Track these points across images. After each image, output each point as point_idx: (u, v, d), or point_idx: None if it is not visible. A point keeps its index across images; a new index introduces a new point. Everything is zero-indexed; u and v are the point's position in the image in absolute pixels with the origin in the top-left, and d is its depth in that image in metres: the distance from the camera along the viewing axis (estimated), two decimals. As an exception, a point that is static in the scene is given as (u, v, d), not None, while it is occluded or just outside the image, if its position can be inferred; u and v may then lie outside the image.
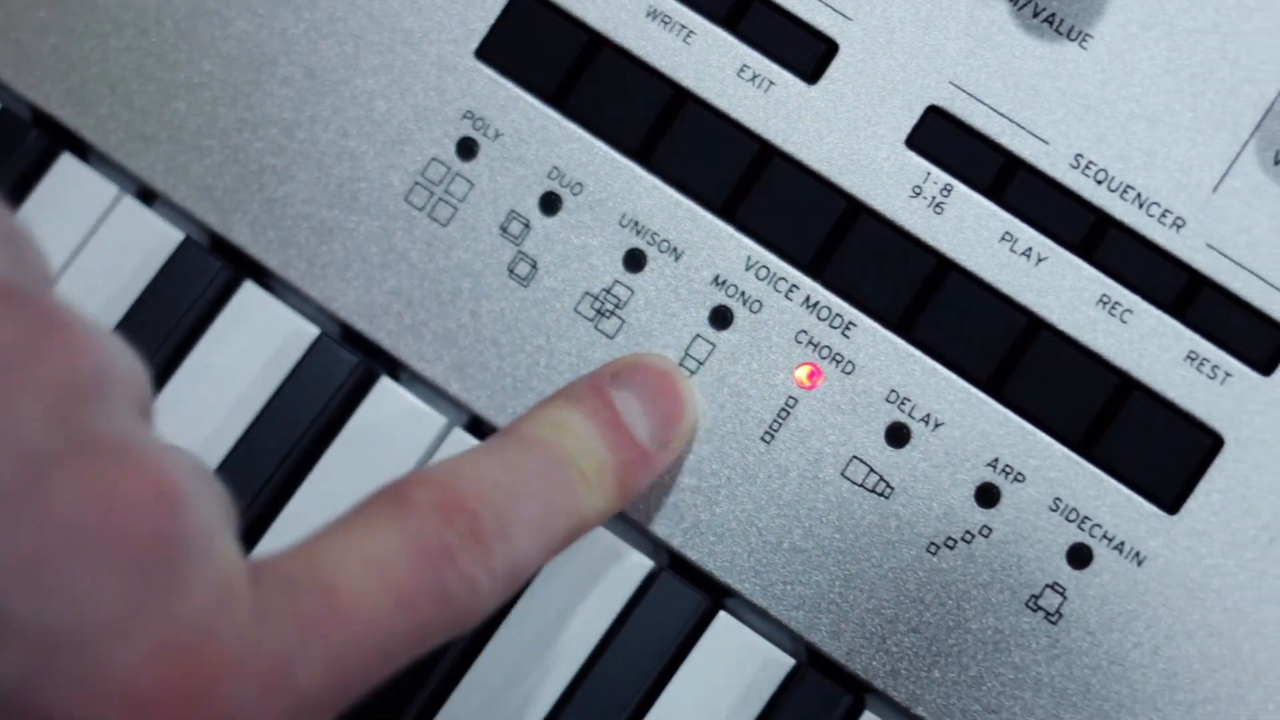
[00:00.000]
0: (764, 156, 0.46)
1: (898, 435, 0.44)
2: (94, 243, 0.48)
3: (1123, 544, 0.43)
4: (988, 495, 0.44)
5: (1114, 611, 0.43)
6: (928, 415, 0.44)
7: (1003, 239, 0.44)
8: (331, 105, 0.47)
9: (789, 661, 0.45)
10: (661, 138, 0.46)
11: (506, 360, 0.46)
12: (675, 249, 0.46)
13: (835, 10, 0.46)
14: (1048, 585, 0.43)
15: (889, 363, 0.45)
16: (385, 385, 0.47)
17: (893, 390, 0.45)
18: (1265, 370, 0.43)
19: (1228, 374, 0.43)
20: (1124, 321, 0.44)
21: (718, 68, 0.46)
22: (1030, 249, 0.44)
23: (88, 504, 0.31)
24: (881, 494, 0.44)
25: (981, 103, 0.45)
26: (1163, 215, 0.44)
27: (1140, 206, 0.44)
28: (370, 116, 0.47)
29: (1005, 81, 0.45)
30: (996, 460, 0.44)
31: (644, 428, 0.43)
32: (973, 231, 0.45)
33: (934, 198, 0.45)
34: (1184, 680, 0.43)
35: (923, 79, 0.45)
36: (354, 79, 0.47)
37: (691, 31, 0.46)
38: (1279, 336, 0.43)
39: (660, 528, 0.45)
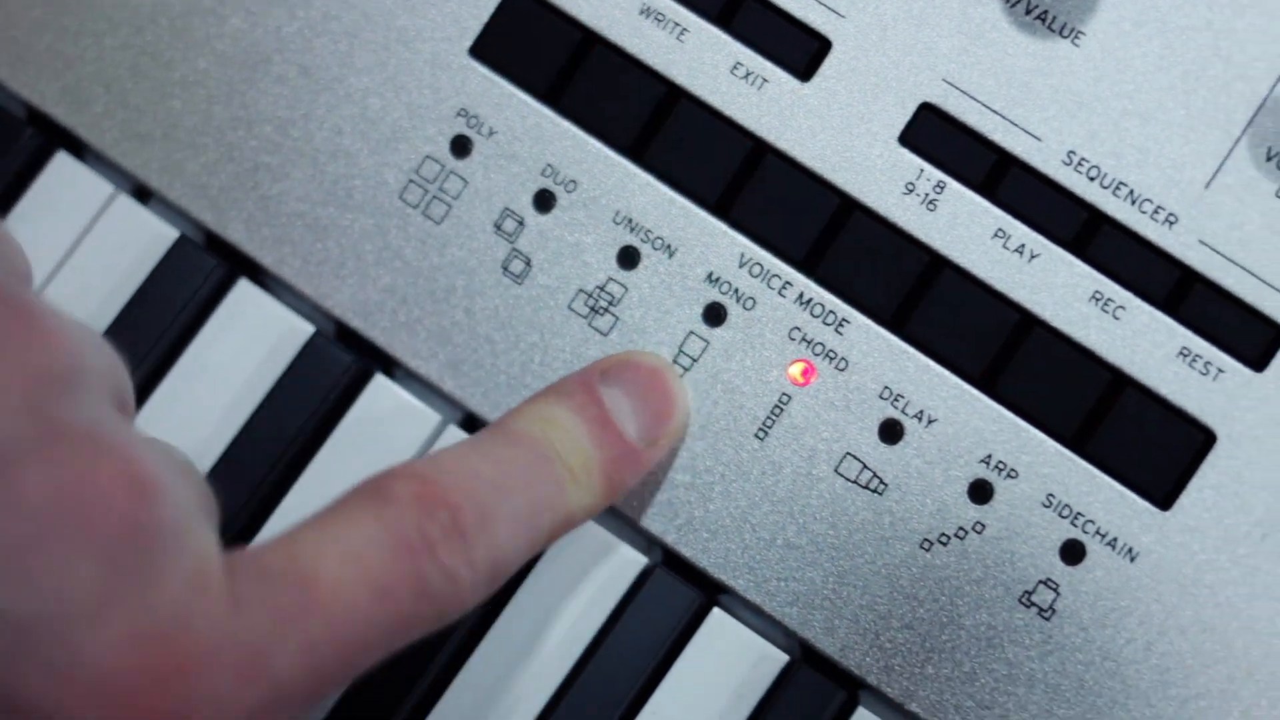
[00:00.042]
0: (757, 154, 0.46)
1: (891, 432, 0.44)
2: (89, 241, 0.48)
3: (1116, 540, 0.43)
4: (981, 491, 0.44)
5: (1107, 607, 0.43)
6: (921, 412, 0.44)
7: (995, 235, 0.44)
8: (326, 103, 0.47)
9: (783, 658, 0.45)
10: (655, 135, 0.46)
11: (500, 357, 0.46)
12: (669, 246, 0.46)
13: (828, 8, 0.46)
14: (1041, 581, 0.44)
15: (882, 359, 0.45)
16: (380, 382, 0.47)
17: (886, 387, 0.45)
18: (1257, 366, 0.43)
19: (1220, 370, 0.43)
20: (1116, 318, 0.44)
21: (711, 65, 0.46)
22: (1023, 245, 0.44)
23: (59, 493, 0.31)
24: (875, 490, 0.44)
25: (974, 100, 0.45)
26: (1155, 212, 0.44)
27: (1133, 203, 0.44)
28: (364, 114, 0.47)
29: (998, 78, 0.45)
30: (990, 456, 0.44)
31: (633, 425, 0.43)
32: (966, 228, 0.45)
33: (927, 194, 0.45)
34: (1177, 676, 0.43)
35: (916, 76, 0.45)
36: (348, 77, 0.47)
37: (685, 29, 0.46)
38: (1271, 332, 0.43)
39: (654, 524, 0.45)
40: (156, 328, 0.47)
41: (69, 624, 0.31)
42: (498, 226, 0.46)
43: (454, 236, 0.47)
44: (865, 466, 0.45)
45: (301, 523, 0.36)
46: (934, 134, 0.45)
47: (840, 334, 0.45)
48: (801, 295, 0.45)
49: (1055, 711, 0.43)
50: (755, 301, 0.45)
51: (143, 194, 0.49)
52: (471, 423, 0.47)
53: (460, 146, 0.47)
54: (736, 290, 0.45)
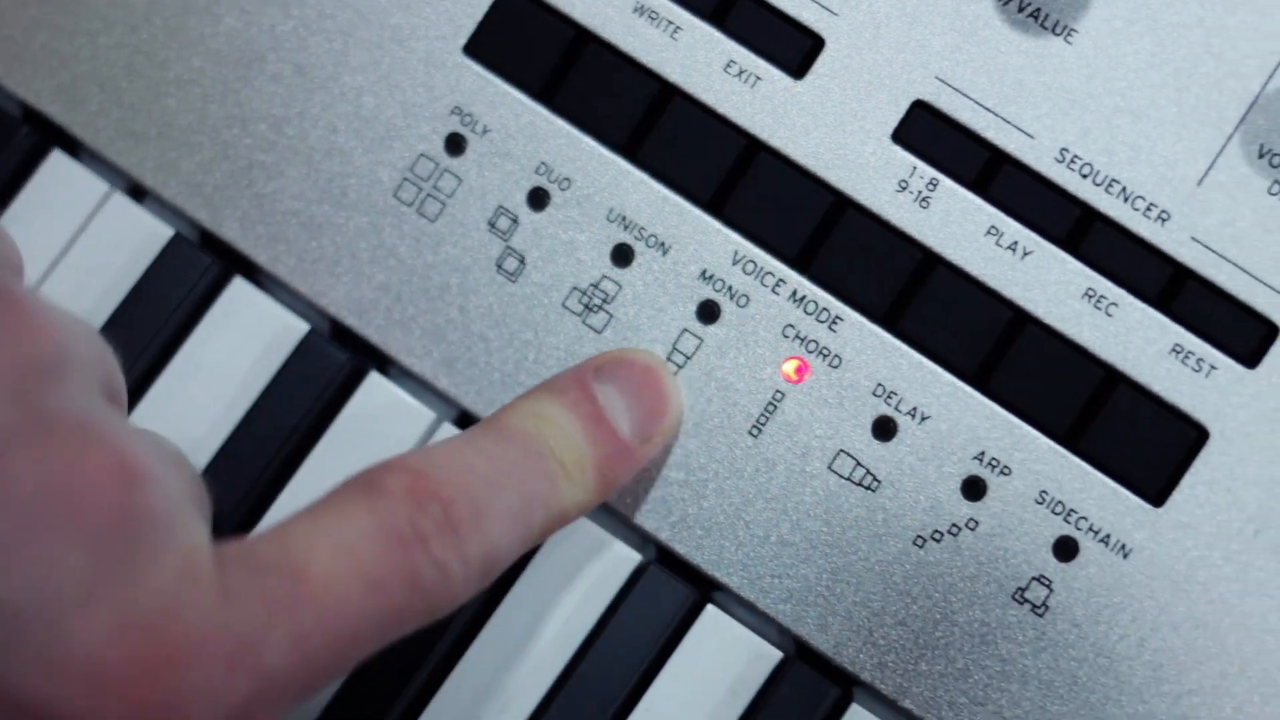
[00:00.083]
0: (751, 151, 0.46)
1: (884, 429, 0.45)
2: (84, 239, 0.48)
3: (1109, 536, 0.43)
4: (974, 488, 0.44)
5: (1100, 604, 0.43)
6: (914, 409, 0.44)
7: (988, 233, 0.45)
8: (320, 102, 0.48)
9: (776, 654, 0.45)
10: (649, 133, 0.46)
11: (495, 355, 0.46)
12: (663, 244, 0.46)
13: (822, 6, 0.46)
14: (1034, 578, 0.44)
15: (875, 356, 0.45)
16: (374, 380, 0.47)
17: (879, 384, 0.45)
18: (1250, 363, 0.43)
19: (1213, 367, 0.43)
20: (1109, 315, 0.44)
21: (705, 63, 0.46)
22: (1016, 243, 0.44)
23: (47, 482, 0.31)
24: (868, 487, 0.45)
25: (967, 97, 0.45)
26: (1147, 209, 0.44)
27: (1125, 200, 0.44)
28: (359, 113, 0.47)
29: (991, 76, 0.45)
30: (983, 453, 0.44)
31: (626, 422, 0.43)
32: (959, 225, 0.45)
33: (920, 192, 0.45)
34: (1170, 672, 0.43)
35: (908, 74, 0.45)
36: (342, 75, 0.47)
37: (679, 27, 0.46)
38: (1263, 329, 0.43)
39: (648, 521, 0.45)
40: (151, 326, 0.47)
41: (58, 613, 0.31)
42: (492, 224, 0.47)
43: (448, 234, 0.47)
44: (859, 463, 0.45)
45: (293, 515, 0.36)
46: (927, 131, 0.45)
47: (833, 331, 0.45)
48: (795, 292, 0.45)
49: (1048, 708, 0.43)
50: (749, 299, 0.45)
51: (138, 192, 0.49)
52: (466, 420, 0.47)
53: (454, 144, 0.47)
54: (730, 288, 0.45)
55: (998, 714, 0.43)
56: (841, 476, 0.45)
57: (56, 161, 0.49)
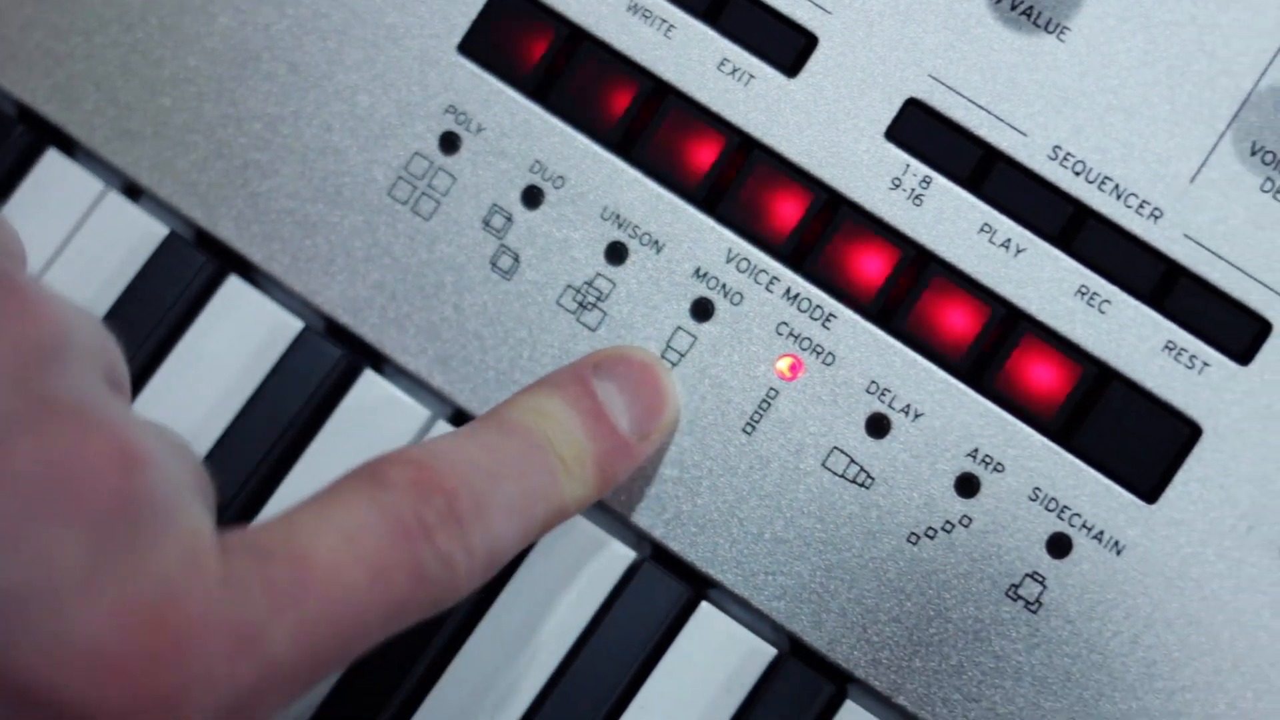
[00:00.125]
0: (744, 149, 0.46)
1: (878, 426, 0.45)
2: (79, 238, 0.48)
3: (1102, 533, 0.43)
4: (967, 485, 0.44)
5: (1093, 600, 0.43)
6: (908, 406, 0.45)
7: (981, 230, 0.45)
8: (315, 100, 0.48)
9: (771, 651, 0.45)
10: (643, 131, 0.46)
11: (489, 353, 0.46)
12: (656, 241, 0.46)
13: (815, 4, 0.46)
14: (1027, 574, 0.44)
15: (869, 354, 0.45)
16: (369, 378, 0.47)
17: (873, 381, 0.45)
18: (1243, 360, 0.43)
19: (1205, 364, 0.44)
20: (1102, 312, 0.44)
21: (698, 61, 0.46)
22: (1009, 240, 0.45)
23: (47, 466, 0.31)
24: (862, 484, 0.45)
25: (960, 95, 0.45)
26: (1140, 206, 0.44)
27: (1118, 197, 0.44)
28: (353, 111, 0.47)
29: (983, 74, 0.45)
30: (976, 450, 0.44)
31: (625, 418, 0.43)
32: (952, 223, 0.45)
33: (913, 189, 0.45)
34: (1163, 668, 0.43)
35: (902, 72, 0.45)
36: (337, 74, 0.48)
37: (672, 25, 0.46)
38: (1256, 326, 0.43)
39: (642, 519, 0.45)
40: (147, 324, 0.47)
41: (59, 597, 0.30)
42: (486, 223, 0.47)
43: (442, 233, 0.47)
44: (852, 461, 0.45)
45: (296, 505, 0.36)
46: (920, 129, 0.45)
47: (827, 329, 0.45)
48: (789, 290, 0.45)
49: (1042, 704, 0.43)
50: (743, 296, 0.45)
51: (133, 191, 0.49)
52: (460, 418, 0.47)
53: (449, 143, 0.47)
54: (724, 285, 0.46)
55: (991, 710, 0.43)
56: (835, 473, 0.45)
57: (52, 160, 0.49)
